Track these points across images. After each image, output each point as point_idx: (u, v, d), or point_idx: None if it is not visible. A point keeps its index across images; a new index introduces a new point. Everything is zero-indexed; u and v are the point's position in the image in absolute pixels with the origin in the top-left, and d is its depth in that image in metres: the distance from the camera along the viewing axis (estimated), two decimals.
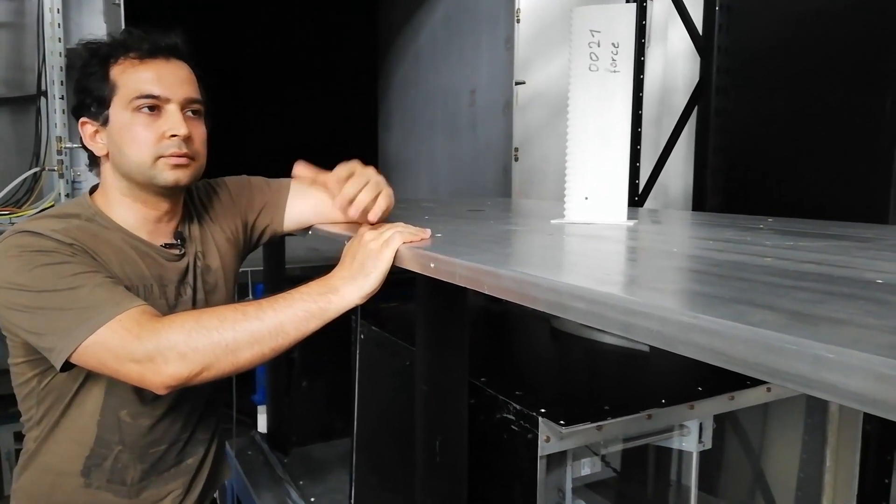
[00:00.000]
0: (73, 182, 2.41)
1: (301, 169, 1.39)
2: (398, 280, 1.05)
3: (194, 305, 1.27)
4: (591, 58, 1.37)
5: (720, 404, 1.23)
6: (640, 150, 3.04)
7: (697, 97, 2.74)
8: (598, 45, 1.37)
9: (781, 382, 0.49)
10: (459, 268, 0.84)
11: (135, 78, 1.15)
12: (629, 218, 1.39)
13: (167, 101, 1.15)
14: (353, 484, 1.67)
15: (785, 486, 2.01)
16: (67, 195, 2.39)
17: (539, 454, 1.03)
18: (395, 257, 1.01)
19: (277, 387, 2.36)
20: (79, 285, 1.02)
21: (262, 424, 2.52)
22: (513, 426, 1.09)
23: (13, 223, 2.21)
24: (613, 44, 1.37)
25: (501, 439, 1.13)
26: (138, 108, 1.14)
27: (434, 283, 0.91)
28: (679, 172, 3.16)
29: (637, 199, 3.04)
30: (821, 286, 0.67)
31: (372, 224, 1.19)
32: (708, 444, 1.38)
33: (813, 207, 2.17)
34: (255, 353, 1.00)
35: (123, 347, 0.98)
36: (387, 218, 1.33)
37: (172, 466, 1.29)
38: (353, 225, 1.27)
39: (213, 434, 1.38)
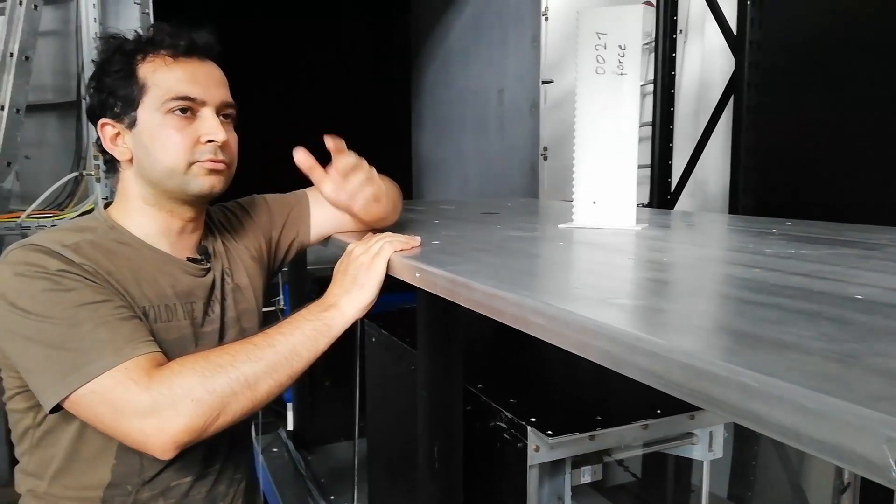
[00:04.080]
0: (110, 185, 2.48)
1: (301, 155, 1.20)
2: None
3: (223, 324, 1.16)
4: (597, 60, 1.36)
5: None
6: (671, 147, 2.98)
7: (730, 93, 2.67)
8: (605, 48, 1.35)
9: (714, 410, 0.48)
10: (439, 278, 0.85)
11: (168, 77, 1.05)
12: (639, 222, 1.37)
13: (203, 103, 1.06)
14: (359, 485, 1.70)
15: (822, 494, 1.96)
16: (105, 198, 2.47)
17: (528, 464, 1.03)
18: (388, 266, 1.02)
19: (302, 386, 2.41)
20: (80, 321, 0.91)
21: (290, 422, 2.58)
22: (505, 434, 1.09)
23: (55, 225, 2.31)
24: (620, 46, 1.35)
25: (495, 447, 1.13)
26: (171, 111, 1.04)
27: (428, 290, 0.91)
28: (718, 170, 3.08)
29: (669, 197, 2.99)
30: (792, 303, 0.66)
31: (362, 220, 1.19)
32: (719, 453, 1.35)
33: (848, 209, 2.10)
34: (273, 383, 0.94)
35: (126, 401, 0.88)
36: (399, 219, 1.34)
37: None
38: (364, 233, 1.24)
39: (244, 476, 1.23)
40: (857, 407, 0.37)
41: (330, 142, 1.16)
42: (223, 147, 1.07)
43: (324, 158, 1.23)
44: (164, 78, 1.05)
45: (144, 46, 1.06)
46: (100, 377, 0.88)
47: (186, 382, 0.89)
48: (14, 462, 1.11)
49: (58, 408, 0.91)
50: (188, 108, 1.05)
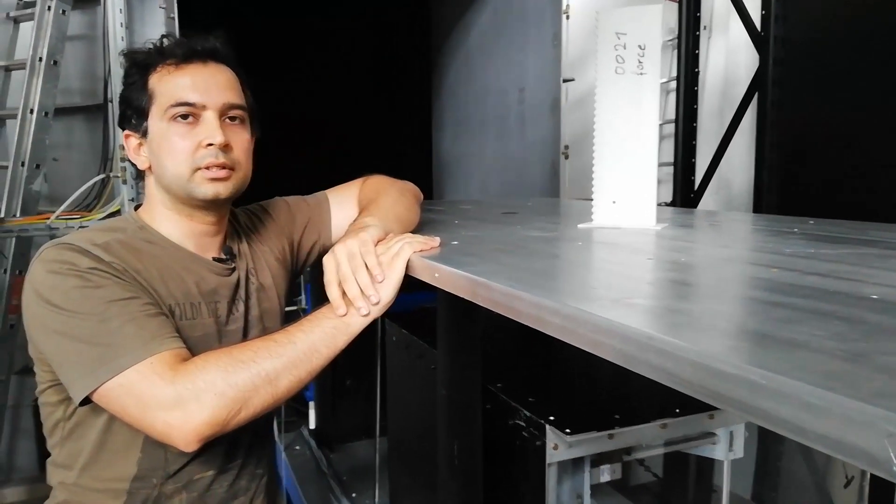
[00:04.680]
0: (137, 188, 2.53)
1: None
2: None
3: (247, 323, 1.19)
4: (617, 60, 1.36)
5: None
6: (695, 145, 2.96)
7: (754, 90, 2.65)
8: (625, 48, 1.35)
9: (724, 406, 0.49)
10: (458, 278, 0.87)
11: (171, 85, 1.08)
12: (659, 222, 1.37)
13: (203, 107, 1.07)
14: (380, 483, 1.72)
15: (848, 496, 1.94)
16: (131, 200, 2.53)
17: (547, 462, 1.04)
18: (407, 266, 1.03)
19: (324, 385, 2.44)
20: (109, 317, 0.95)
21: (312, 420, 2.61)
22: (524, 432, 1.10)
23: (83, 227, 2.37)
24: (640, 46, 1.35)
25: (514, 445, 1.14)
26: (174, 117, 1.07)
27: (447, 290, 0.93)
28: (743, 168, 3.05)
29: (693, 195, 2.97)
30: (807, 303, 0.66)
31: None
32: (740, 453, 1.35)
33: (874, 207, 2.07)
34: (293, 378, 0.96)
35: (152, 394, 0.91)
36: (421, 222, 1.34)
37: (225, 502, 1.16)
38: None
39: (266, 471, 1.25)
40: (861, 403, 0.38)
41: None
42: (226, 149, 1.08)
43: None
44: (166, 86, 1.08)
45: (154, 58, 1.10)
46: (127, 371, 0.91)
47: (210, 377, 0.91)
48: (42, 459, 1.15)
49: (87, 400, 0.95)
50: (189, 113, 1.07)
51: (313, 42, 5.08)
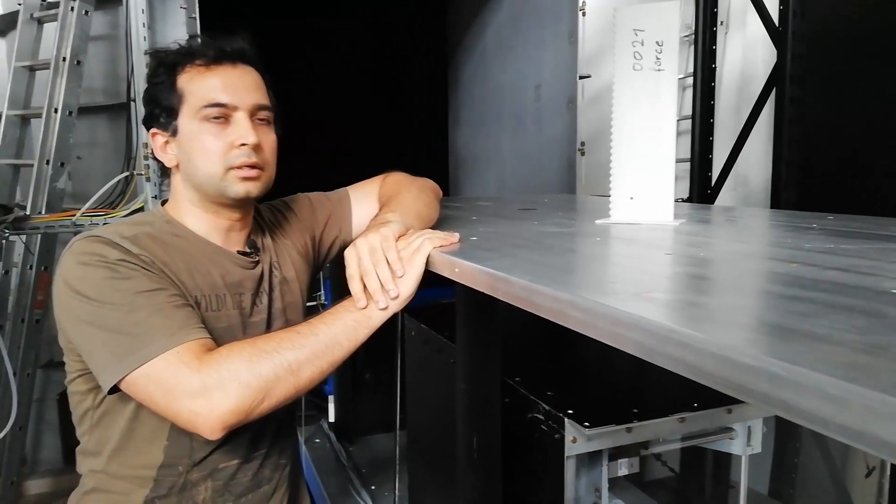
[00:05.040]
0: (160, 185, 2.57)
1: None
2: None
3: (270, 315, 1.21)
4: (634, 57, 1.36)
5: (763, 409, 1.20)
6: (712, 141, 2.95)
7: (772, 86, 2.63)
8: (642, 44, 1.36)
9: (744, 398, 0.50)
10: (478, 273, 0.88)
11: (201, 86, 1.10)
12: (677, 217, 1.38)
13: (235, 108, 1.10)
14: (399, 476, 1.73)
15: (865, 492, 1.93)
16: (155, 197, 2.56)
17: (566, 454, 1.05)
18: (427, 261, 1.05)
19: (344, 379, 2.46)
20: (137, 307, 0.97)
21: (332, 414, 2.64)
22: (542, 426, 1.11)
23: (107, 223, 2.41)
24: (657, 42, 1.35)
25: (533, 438, 1.15)
26: (206, 118, 1.10)
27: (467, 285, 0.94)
28: (760, 164, 3.03)
29: (710, 191, 2.96)
30: (827, 297, 0.67)
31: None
32: (757, 448, 1.35)
33: (894, 203, 2.06)
34: (314, 370, 0.98)
35: (178, 382, 0.93)
36: (440, 218, 1.35)
37: (249, 491, 1.19)
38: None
39: (289, 462, 1.28)
40: (882, 395, 0.39)
41: None
42: (256, 149, 1.11)
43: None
44: (198, 86, 1.11)
45: (183, 58, 1.12)
46: (154, 360, 0.94)
47: (234, 366, 0.93)
48: (66, 452, 1.18)
49: (115, 389, 0.98)
50: (221, 114, 1.10)
51: (330, 41, 5.10)
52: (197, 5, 2.52)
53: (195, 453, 1.12)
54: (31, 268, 2.87)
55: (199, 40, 1.15)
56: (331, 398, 2.63)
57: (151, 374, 0.94)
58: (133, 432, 1.10)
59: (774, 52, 2.60)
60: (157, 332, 0.96)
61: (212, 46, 1.12)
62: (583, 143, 3.23)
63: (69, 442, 3.92)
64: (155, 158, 1.19)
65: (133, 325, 0.96)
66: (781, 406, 0.46)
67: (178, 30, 2.68)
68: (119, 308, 0.97)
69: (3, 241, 2.92)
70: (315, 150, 4.20)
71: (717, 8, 2.80)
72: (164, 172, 1.20)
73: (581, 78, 3.15)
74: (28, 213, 2.56)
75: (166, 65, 1.13)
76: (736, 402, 1.16)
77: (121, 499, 1.11)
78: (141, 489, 1.11)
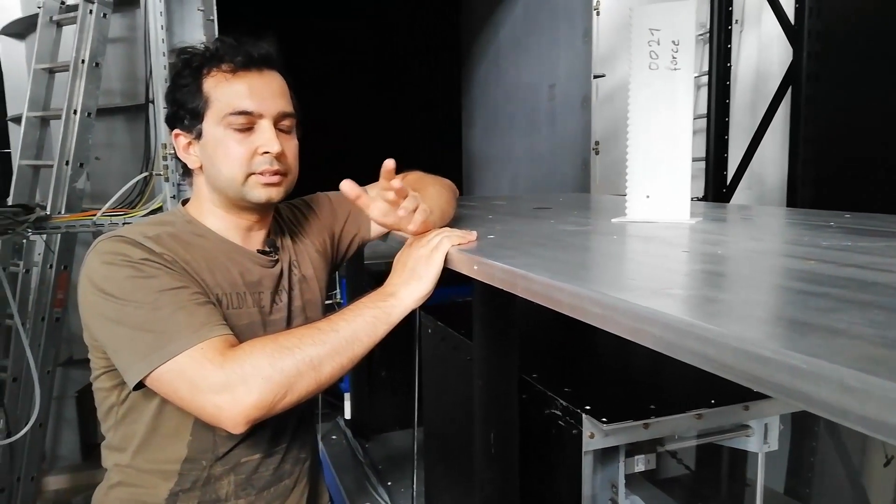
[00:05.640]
0: (179, 185, 2.60)
1: (347, 186, 1.11)
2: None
3: (290, 313, 1.23)
4: (650, 56, 1.37)
5: (780, 405, 1.21)
6: (727, 140, 2.94)
7: (788, 84, 2.63)
8: (658, 44, 1.37)
9: (764, 390, 0.51)
10: (497, 270, 0.89)
11: (228, 92, 1.11)
12: (693, 216, 1.38)
13: (260, 116, 1.11)
14: (419, 472, 1.75)
15: (884, 480, 1.92)
16: (173, 197, 2.59)
17: (583, 450, 1.06)
18: (446, 259, 1.06)
19: (359, 376, 2.48)
20: (161, 305, 0.99)
21: (347, 411, 2.66)
22: (560, 422, 1.13)
23: (126, 224, 2.44)
24: (673, 41, 1.36)
25: (550, 434, 1.17)
26: (231, 125, 1.10)
27: (486, 282, 0.95)
28: (776, 163, 3.02)
29: (725, 190, 2.95)
30: (845, 293, 0.67)
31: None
32: (774, 446, 1.35)
33: None
34: (335, 365, 1.00)
35: (203, 377, 0.95)
36: (456, 216, 1.37)
37: (271, 485, 1.21)
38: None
39: (309, 456, 1.31)
40: None
41: (385, 170, 1.09)
42: (279, 157, 1.12)
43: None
44: (223, 92, 1.11)
45: (209, 61, 1.13)
46: (178, 356, 0.95)
47: (257, 362, 0.95)
48: (84, 448, 1.19)
49: (140, 385, 0.99)
50: (247, 121, 1.11)
51: (344, 41, 5.13)
52: (215, 7, 2.55)
53: (218, 448, 1.14)
54: (51, 267, 2.91)
55: (225, 43, 1.14)
56: (347, 395, 2.65)
57: (176, 370, 0.96)
58: (157, 428, 1.12)
59: (790, 50, 2.59)
60: (182, 329, 0.98)
61: (239, 51, 1.12)
62: (597, 143, 3.23)
63: (87, 438, 3.98)
64: (177, 158, 1.21)
65: (157, 322, 0.98)
66: (801, 398, 0.47)
67: (195, 32, 2.71)
68: (143, 306, 0.99)
69: (25, 241, 2.97)
70: (330, 150, 4.23)
71: (731, 6, 2.79)
72: (187, 172, 1.22)
73: (595, 77, 3.15)
74: (48, 212, 2.60)
75: (192, 67, 1.14)
76: (753, 398, 1.17)
77: (146, 492, 1.14)
78: (165, 483, 1.13)
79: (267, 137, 1.11)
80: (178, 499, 1.13)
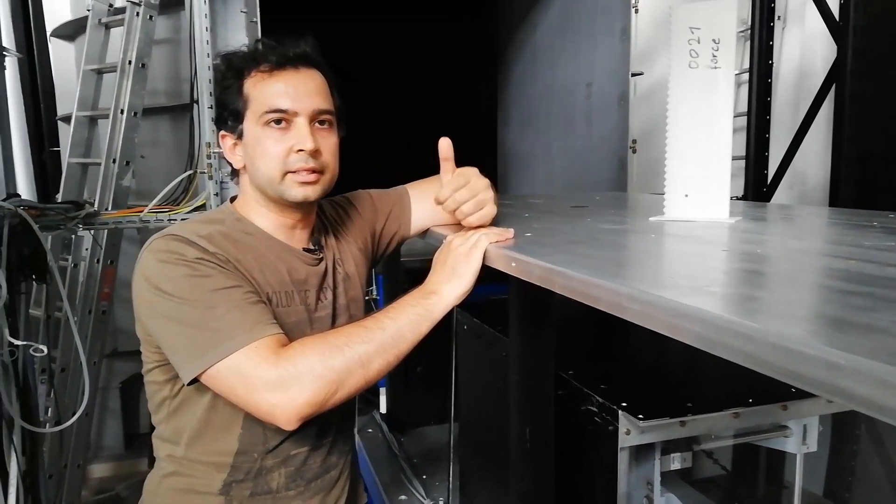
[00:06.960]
0: (222, 183, 2.66)
1: (444, 144, 1.24)
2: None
3: (335, 311, 1.26)
4: (691, 55, 1.37)
5: (819, 406, 1.20)
6: (768, 138, 2.90)
7: (832, 82, 2.58)
8: (699, 42, 1.36)
9: (803, 386, 0.52)
10: (535, 267, 0.91)
11: (265, 92, 1.13)
12: (732, 215, 1.38)
13: (295, 114, 1.13)
14: (454, 466, 1.77)
15: None
16: (216, 195, 2.65)
17: (619, 446, 1.07)
18: (484, 257, 1.08)
19: (395, 371, 2.51)
20: (215, 304, 1.01)
21: (383, 405, 2.69)
22: (596, 418, 1.13)
23: (171, 220, 2.51)
24: (714, 40, 1.35)
25: (586, 430, 1.18)
26: (268, 123, 1.13)
27: (523, 279, 0.97)
28: (819, 162, 2.96)
29: (765, 189, 2.91)
30: (886, 292, 0.67)
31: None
32: (813, 447, 1.34)
33: None
34: (382, 362, 1.02)
35: (258, 375, 0.97)
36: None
37: (318, 476, 1.25)
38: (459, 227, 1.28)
39: (351, 448, 1.35)
40: None
41: (442, 149, 1.21)
42: (315, 154, 1.14)
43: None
44: (261, 92, 1.14)
45: (248, 63, 1.16)
46: (234, 354, 0.98)
47: (309, 360, 0.98)
48: (127, 438, 1.24)
49: (194, 381, 1.03)
50: (282, 119, 1.13)
51: (384, 42, 5.17)
52: (258, 9, 2.60)
53: (268, 441, 1.17)
54: (98, 261, 3.01)
55: (264, 44, 1.17)
56: (382, 390, 2.68)
57: (232, 368, 0.99)
58: (209, 421, 1.15)
59: (834, 47, 2.54)
60: (236, 328, 1.00)
61: (275, 51, 1.15)
62: (634, 142, 3.21)
63: (130, 428, 4.10)
64: (223, 157, 1.26)
65: (212, 320, 1.01)
66: (840, 394, 0.48)
67: (239, 33, 2.77)
68: (198, 305, 1.02)
69: (73, 236, 3.08)
70: (369, 148, 4.27)
71: (774, 3, 2.75)
72: (234, 172, 1.25)
73: (633, 75, 3.12)
74: (96, 209, 2.68)
75: (234, 69, 1.17)
76: (792, 398, 1.16)
77: (200, 482, 1.17)
78: (219, 474, 1.16)
79: (301, 135, 1.13)
80: (231, 489, 1.16)
